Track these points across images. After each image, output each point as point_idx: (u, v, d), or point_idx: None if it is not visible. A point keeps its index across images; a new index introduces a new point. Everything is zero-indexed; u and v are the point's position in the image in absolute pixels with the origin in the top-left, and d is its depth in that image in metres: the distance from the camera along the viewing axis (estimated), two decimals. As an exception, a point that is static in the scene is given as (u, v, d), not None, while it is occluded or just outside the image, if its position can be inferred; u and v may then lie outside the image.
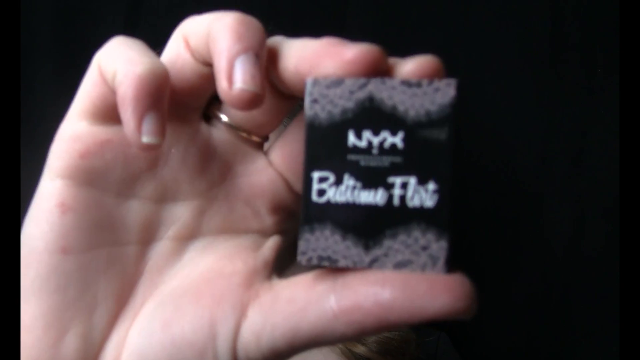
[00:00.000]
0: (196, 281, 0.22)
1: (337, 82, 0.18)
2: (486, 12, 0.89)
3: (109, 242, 0.22)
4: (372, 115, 0.17)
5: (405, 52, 0.89)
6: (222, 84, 0.19)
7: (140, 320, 0.21)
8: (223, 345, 0.20)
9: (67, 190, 0.21)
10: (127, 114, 0.19)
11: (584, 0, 0.88)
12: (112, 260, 0.22)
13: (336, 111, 0.18)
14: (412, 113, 0.17)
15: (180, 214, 0.23)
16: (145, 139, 0.19)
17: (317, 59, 0.19)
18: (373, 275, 0.18)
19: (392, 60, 0.21)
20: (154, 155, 0.22)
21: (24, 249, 0.21)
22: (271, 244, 0.23)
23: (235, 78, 0.19)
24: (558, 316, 0.88)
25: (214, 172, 0.23)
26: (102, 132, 0.22)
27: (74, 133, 0.22)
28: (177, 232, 0.23)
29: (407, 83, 0.18)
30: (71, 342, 0.21)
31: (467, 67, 0.89)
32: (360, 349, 0.64)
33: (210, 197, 0.23)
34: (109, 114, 0.22)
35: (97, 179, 0.22)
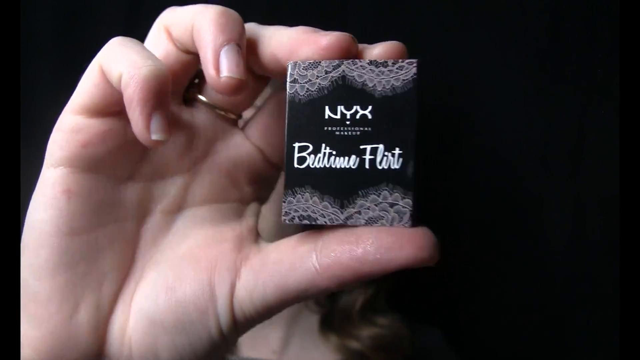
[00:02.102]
0: (191, 248, 0.24)
1: (314, 64, 0.20)
2: (486, 12, 0.89)
3: (110, 220, 0.24)
4: (344, 91, 0.20)
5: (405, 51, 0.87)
6: (210, 73, 0.21)
7: (144, 286, 0.24)
8: (222, 303, 0.23)
9: (71, 177, 0.23)
10: (136, 114, 0.21)
11: (584, 0, 0.88)
12: (114, 236, 0.24)
13: (313, 89, 0.20)
14: (379, 88, 0.20)
15: (168, 189, 0.25)
16: (154, 136, 0.21)
17: (295, 46, 0.21)
18: (348, 234, 0.20)
19: (362, 46, 0.23)
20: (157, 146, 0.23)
21: (34, 233, 0.23)
22: (252, 210, 0.26)
23: (222, 67, 0.21)
24: (558, 316, 0.89)
25: (196, 149, 0.25)
26: (102, 123, 0.24)
27: (75, 125, 0.24)
28: (166, 205, 0.25)
29: (374, 63, 0.21)
30: (84, 312, 0.23)
31: (467, 66, 0.89)
32: (354, 344, 0.64)
33: (194, 172, 0.25)
34: (108, 109, 0.24)
35: (98, 165, 0.24)
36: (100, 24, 0.89)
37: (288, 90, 0.21)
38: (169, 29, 0.24)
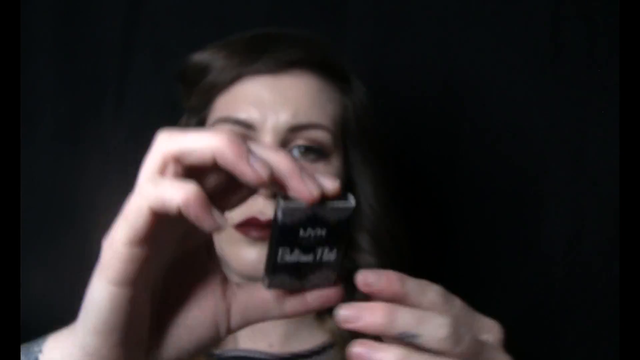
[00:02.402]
0: (196, 301, 0.36)
1: (296, 204, 0.32)
2: (486, 12, 0.89)
3: (143, 309, 0.34)
4: (312, 221, 0.33)
5: (406, 51, 0.89)
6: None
7: (173, 330, 0.36)
8: (222, 329, 0.37)
9: (122, 293, 0.31)
10: (206, 218, 0.29)
11: (584, 0, 0.88)
12: (145, 317, 0.34)
13: (294, 219, 0.32)
14: (333, 218, 0.33)
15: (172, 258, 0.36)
16: (220, 221, 0.30)
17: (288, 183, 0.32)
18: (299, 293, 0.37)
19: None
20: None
21: (89, 323, 0.33)
22: (214, 258, 0.38)
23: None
24: (558, 316, 0.89)
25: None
26: (142, 251, 0.31)
27: (130, 256, 0.31)
28: (175, 268, 0.36)
29: (335, 206, 0.33)
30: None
31: (467, 67, 0.89)
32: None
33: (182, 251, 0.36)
34: (148, 239, 0.30)
35: (138, 283, 0.31)
36: (100, 24, 0.89)
37: (279, 216, 0.32)
38: (179, 159, 0.32)
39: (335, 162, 0.64)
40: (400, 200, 0.70)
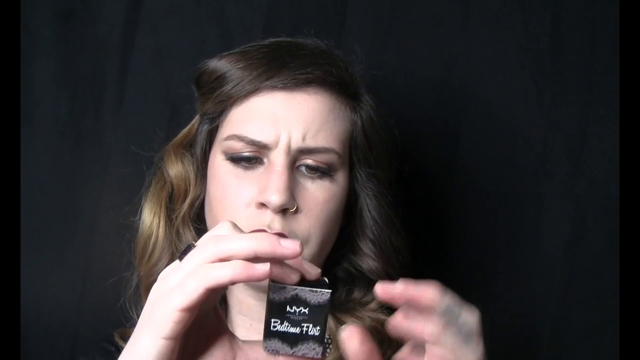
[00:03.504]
0: (210, 356, 0.45)
1: (284, 286, 0.42)
2: (486, 12, 0.89)
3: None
4: (296, 300, 0.42)
5: (406, 51, 0.89)
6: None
7: None
8: None
9: (167, 345, 0.41)
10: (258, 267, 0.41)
11: (584, 0, 0.88)
12: None
13: (282, 297, 0.42)
14: (312, 301, 0.42)
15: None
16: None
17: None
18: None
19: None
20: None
21: None
22: (220, 317, 0.47)
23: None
24: (558, 315, 0.89)
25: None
26: (191, 315, 0.41)
27: (177, 318, 0.40)
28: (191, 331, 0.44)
29: (313, 291, 0.42)
30: None
31: (467, 66, 0.89)
32: (351, 320, 0.66)
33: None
34: (197, 306, 0.41)
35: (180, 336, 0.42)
36: (100, 24, 0.89)
37: (270, 295, 0.42)
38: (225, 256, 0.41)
39: (341, 178, 0.66)
40: (400, 203, 0.70)
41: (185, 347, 0.43)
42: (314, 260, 0.65)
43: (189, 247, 0.43)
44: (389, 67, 0.88)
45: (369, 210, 0.68)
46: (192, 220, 0.69)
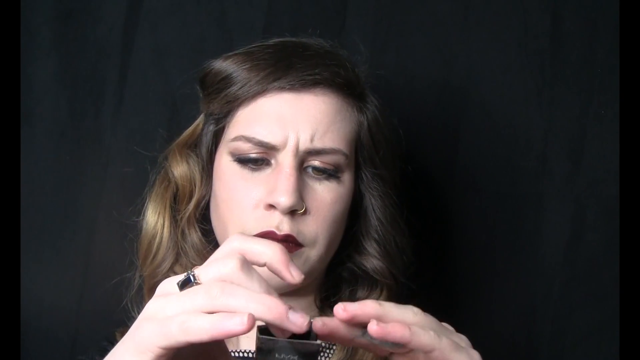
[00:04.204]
0: None
1: (273, 339, 0.41)
2: (486, 12, 0.89)
3: None
4: (286, 349, 0.41)
5: (406, 51, 0.90)
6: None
7: None
8: None
9: None
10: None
11: (584, 0, 0.88)
12: None
13: (271, 346, 0.41)
14: (302, 350, 0.41)
15: None
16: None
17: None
18: None
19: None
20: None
21: None
22: None
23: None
24: (558, 316, 0.89)
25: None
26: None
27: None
28: None
29: (303, 343, 0.41)
30: None
31: (467, 66, 0.89)
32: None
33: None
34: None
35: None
36: (100, 24, 0.89)
37: (258, 343, 0.41)
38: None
39: (347, 179, 0.66)
40: (403, 204, 0.70)
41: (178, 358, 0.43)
42: (321, 261, 0.66)
43: (189, 280, 0.42)
44: (389, 67, 0.88)
45: (374, 210, 0.68)
46: (197, 220, 0.69)
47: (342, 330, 0.42)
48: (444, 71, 0.90)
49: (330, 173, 0.64)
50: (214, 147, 0.68)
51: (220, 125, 0.67)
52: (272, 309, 0.39)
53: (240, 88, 0.64)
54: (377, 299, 0.69)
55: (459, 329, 0.48)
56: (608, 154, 0.86)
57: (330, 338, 0.42)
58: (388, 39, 0.90)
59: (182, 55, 0.88)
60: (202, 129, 0.69)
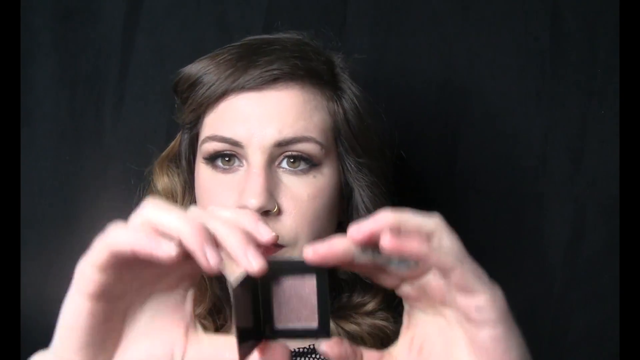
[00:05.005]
0: (160, 328, 0.40)
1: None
2: (486, 12, 0.89)
3: (112, 320, 0.38)
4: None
5: (406, 51, 0.89)
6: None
7: (130, 350, 0.39)
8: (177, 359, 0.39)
9: (89, 304, 0.37)
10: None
11: (584, 0, 0.88)
12: (114, 327, 0.39)
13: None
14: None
15: (147, 289, 0.39)
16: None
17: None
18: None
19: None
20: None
21: (63, 331, 0.39)
22: (190, 297, 0.41)
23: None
24: (558, 316, 0.88)
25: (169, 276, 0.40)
26: (109, 276, 0.37)
27: (91, 275, 0.37)
28: (145, 298, 0.40)
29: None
30: None
31: (467, 66, 0.89)
32: (352, 327, 0.65)
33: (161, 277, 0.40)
34: (114, 269, 0.37)
35: (106, 296, 0.37)
36: (100, 24, 0.89)
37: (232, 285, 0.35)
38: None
39: (328, 170, 0.64)
40: (398, 200, 0.70)
41: (134, 319, 0.39)
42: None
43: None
44: (389, 66, 0.88)
45: (363, 202, 0.66)
46: None
47: (340, 251, 0.35)
48: (444, 71, 0.89)
49: (305, 163, 0.62)
50: (192, 157, 0.68)
51: (194, 133, 0.66)
52: (243, 217, 0.37)
53: (204, 92, 0.63)
54: (371, 300, 0.68)
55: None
56: (608, 154, 0.86)
57: (326, 264, 0.35)
58: (388, 38, 0.90)
59: (182, 55, 0.88)
60: (180, 140, 0.69)
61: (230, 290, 0.38)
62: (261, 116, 0.61)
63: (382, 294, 0.68)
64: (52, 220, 0.87)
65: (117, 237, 0.37)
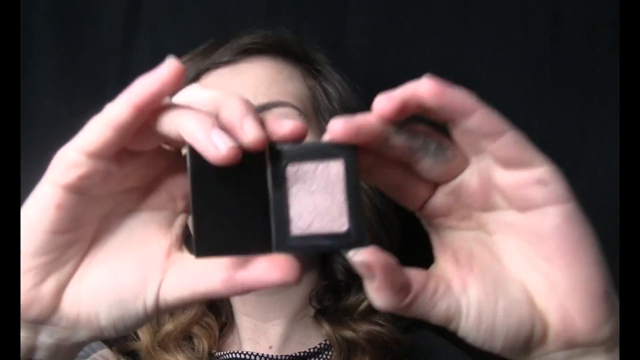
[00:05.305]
0: (136, 247, 0.33)
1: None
2: (486, 12, 0.89)
3: (82, 224, 0.32)
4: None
5: (406, 51, 0.89)
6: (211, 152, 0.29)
7: (96, 269, 0.33)
8: (150, 292, 0.32)
9: (62, 196, 0.31)
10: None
11: (584, 0, 0.88)
12: (82, 234, 0.32)
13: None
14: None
15: (127, 198, 0.34)
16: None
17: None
18: (243, 260, 0.30)
19: None
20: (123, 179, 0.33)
21: (25, 224, 0.31)
22: (180, 221, 0.35)
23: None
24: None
25: (152, 172, 0.34)
26: (95, 164, 0.31)
27: (76, 161, 0.32)
28: (124, 209, 0.34)
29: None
30: (49, 284, 0.31)
31: (467, 67, 0.89)
32: (348, 334, 0.65)
33: (147, 187, 0.34)
34: (104, 154, 0.31)
35: (83, 190, 0.31)
36: (100, 24, 0.89)
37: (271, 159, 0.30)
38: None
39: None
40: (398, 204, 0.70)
41: (108, 233, 0.33)
42: (304, 264, 0.65)
43: None
44: (389, 67, 0.88)
45: None
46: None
47: (373, 125, 0.29)
48: (444, 71, 0.89)
49: None
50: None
51: None
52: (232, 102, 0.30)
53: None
54: (365, 298, 0.68)
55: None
56: (608, 154, 0.86)
57: (358, 141, 0.29)
58: (388, 38, 0.90)
59: (182, 55, 0.88)
60: None
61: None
62: (234, 88, 0.61)
63: None
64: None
65: (113, 110, 0.32)
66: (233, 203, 0.28)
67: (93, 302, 0.32)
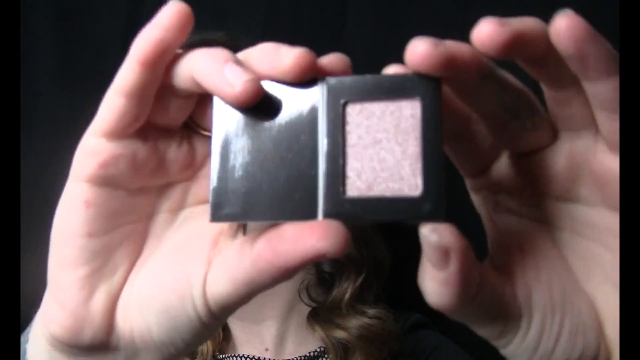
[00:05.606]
0: (178, 242, 0.28)
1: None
2: (486, 12, 0.89)
3: (123, 223, 0.28)
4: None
5: (405, 52, 0.87)
6: (226, 91, 0.25)
7: (141, 275, 0.28)
8: (196, 290, 0.26)
9: (89, 190, 0.27)
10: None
11: (584, 0, 0.88)
12: (125, 235, 0.28)
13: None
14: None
15: (172, 193, 0.29)
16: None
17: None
18: (273, 231, 0.24)
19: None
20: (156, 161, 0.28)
21: (59, 233, 0.29)
22: None
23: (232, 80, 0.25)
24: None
25: (196, 162, 0.29)
26: (116, 147, 0.27)
27: (94, 148, 0.27)
28: (170, 205, 0.29)
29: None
30: (98, 298, 0.27)
31: (467, 67, 0.89)
32: (340, 334, 0.64)
33: (194, 179, 0.30)
34: (123, 132, 0.27)
35: (113, 181, 0.27)
36: (100, 24, 0.89)
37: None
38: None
39: None
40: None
41: (160, 233, 0.29)
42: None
43: None
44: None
45: None
46: None
47: (470, 54, 0.22)
48: (444, 71, 0.90)
49: None
50: None
51: None
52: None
53: None
54: (360, 286, 0.67)
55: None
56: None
57: (441, 72, 0.22)
58: (388, 39, 0.90)
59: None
60: None
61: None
62: None
63: (358, 275, 0.67)
64: (52, 220, 0.87)
65: (120, 75, 0.28)
66: (266, 158, 0.23)
67: (141, 313, 0.27)
